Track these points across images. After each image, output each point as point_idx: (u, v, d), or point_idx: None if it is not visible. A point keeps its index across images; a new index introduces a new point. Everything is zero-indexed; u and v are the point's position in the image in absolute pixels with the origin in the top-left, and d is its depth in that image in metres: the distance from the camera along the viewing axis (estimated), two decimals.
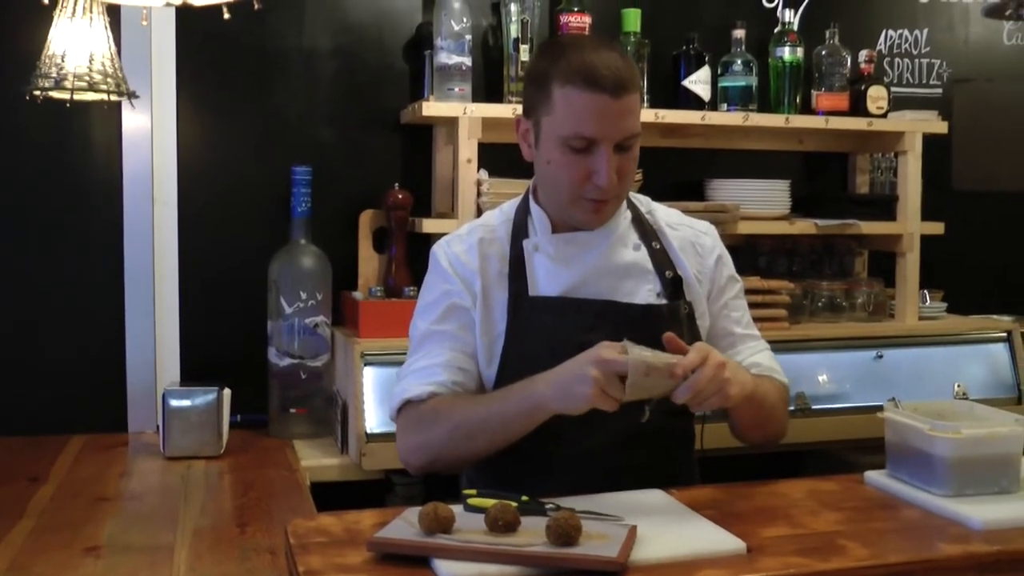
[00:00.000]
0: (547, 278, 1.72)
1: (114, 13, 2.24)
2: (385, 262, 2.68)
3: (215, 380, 2.38)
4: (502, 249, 1.76)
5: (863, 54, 3.00)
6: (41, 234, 2.55)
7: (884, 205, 2.96)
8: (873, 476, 1.64)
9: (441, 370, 1.68)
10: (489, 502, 1.34)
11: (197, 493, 2.07)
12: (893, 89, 3.07)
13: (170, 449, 2.32)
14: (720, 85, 2.89)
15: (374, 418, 2.34)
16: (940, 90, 3.32)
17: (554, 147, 1.64)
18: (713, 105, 2.87)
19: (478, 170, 2.53)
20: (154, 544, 1.75)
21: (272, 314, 2.54)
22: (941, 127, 2.96)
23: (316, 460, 2.37)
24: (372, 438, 2.31)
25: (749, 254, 2.93)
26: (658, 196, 1.92)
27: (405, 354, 1.78)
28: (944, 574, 1.32)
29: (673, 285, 1.75)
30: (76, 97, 2.07)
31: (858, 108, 2.95)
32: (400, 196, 2.63)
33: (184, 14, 2.41)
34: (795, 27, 3.00)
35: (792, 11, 3.04)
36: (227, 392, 2.37)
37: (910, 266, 2.90)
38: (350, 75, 2.77)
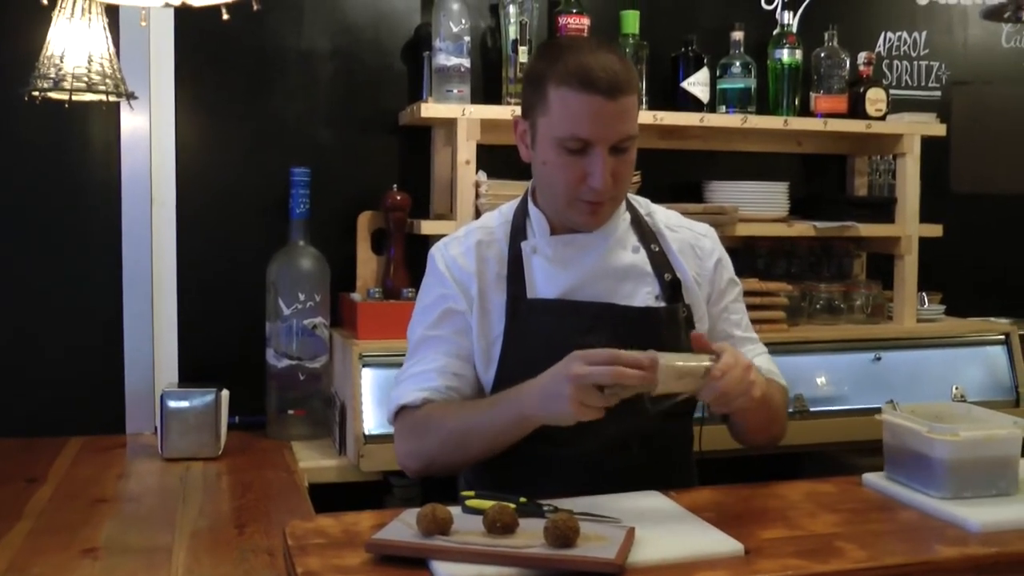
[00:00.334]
0: (545, 280, 1.72)
1: (113, 14, 2.24)
2: (383, 263, 2.68)
3: (213, 381, 2.39)
4: (500, 251, 1.75)
5: (862, 56, 3.00)
6: (39, 235, 2.55)
7: (882, 207, 2.96)
8: (871, 478, 1.64)
9: (436, 375, 1.68)
10: (487, 504, 1.34)
11: (195, 494, 2.07)
12: (892, 91, 3.07)
13: (168, 450, 2.32)
14: (719, 87, 2.89)
15: (372, 419, 2.34)
16: (939, 92, 3.32)
17: (550, 148, 1.64)
18: (712, 107, 2.87)
19: (476, 171, 2.53)
20: (152, 545, 1.74)
21: (270, 315, 2.54)
22: (940, 129, 2.96)
23: (314, 461, 2.37)
24: (370, 439, 2.31)
25: (747, 256, 2.93)
26: (656, 198, 1.92)
27: (403, 355, 1.78)
28: None
29: (672, 288, 1.74)
30: (75, 98, 2.07)
31: (857, 110, 2.94)
32: (398, 197, 2.63)
33: (183, 15, 2.42)
34: (794, 29, 3.00)
35: (791, 13, 3.04)
36: (225, 393, 2.37)
37: (908, 268, 2.90)
38: (349, 76, 2.77)
